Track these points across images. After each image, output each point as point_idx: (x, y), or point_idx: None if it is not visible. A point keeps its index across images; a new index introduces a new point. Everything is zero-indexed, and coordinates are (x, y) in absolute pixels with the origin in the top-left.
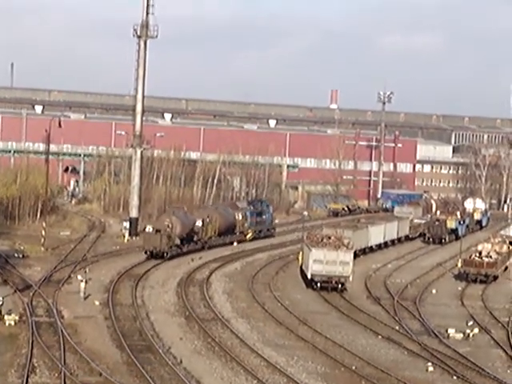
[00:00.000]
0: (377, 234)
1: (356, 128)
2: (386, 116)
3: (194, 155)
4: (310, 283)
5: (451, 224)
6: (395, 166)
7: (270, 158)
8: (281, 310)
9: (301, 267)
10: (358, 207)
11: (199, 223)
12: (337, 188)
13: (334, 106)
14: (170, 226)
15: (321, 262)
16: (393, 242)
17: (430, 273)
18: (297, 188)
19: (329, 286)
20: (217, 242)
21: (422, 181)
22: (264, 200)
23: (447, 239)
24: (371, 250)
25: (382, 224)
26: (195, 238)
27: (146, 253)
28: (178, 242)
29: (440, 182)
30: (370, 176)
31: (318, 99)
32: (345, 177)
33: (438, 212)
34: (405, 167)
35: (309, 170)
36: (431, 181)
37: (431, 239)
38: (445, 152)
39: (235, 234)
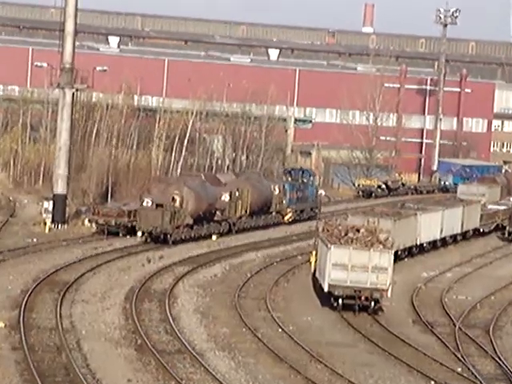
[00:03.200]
0: (430, 225)
1: (401, 63)
2: (448, 46)
3: (153, 101)
4: (327, 299)
5: None
6: (461, 123)
7: (270, 107)
8: (282, 339)
9: (313, 275)
10: (403, 184)
11: (225, 197)
12: (370, 155)
13: (368, 30)
14: (180, 199)
15: (344, 267)
16: (455, 237)
17: None
18: (309, 154)
19: (356, 304)
20: (248, 224)
21: (502, 145)
22: (306, 169)
23: None
24: (421, 249)
25: (438, 211)
26: (218, 218)
27: (142, 234)
28: (189, 221)
29: None
30: (422, 138)
31: (345, 19)
32: (383, 138)
33: None
34: (476, 124)
35: (328, 126)
36: None
37: None
38: None
39: (270, 213)
